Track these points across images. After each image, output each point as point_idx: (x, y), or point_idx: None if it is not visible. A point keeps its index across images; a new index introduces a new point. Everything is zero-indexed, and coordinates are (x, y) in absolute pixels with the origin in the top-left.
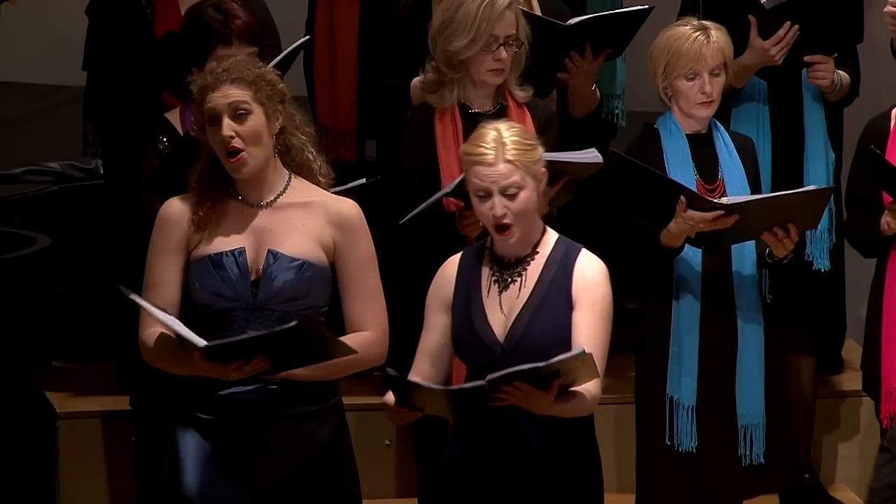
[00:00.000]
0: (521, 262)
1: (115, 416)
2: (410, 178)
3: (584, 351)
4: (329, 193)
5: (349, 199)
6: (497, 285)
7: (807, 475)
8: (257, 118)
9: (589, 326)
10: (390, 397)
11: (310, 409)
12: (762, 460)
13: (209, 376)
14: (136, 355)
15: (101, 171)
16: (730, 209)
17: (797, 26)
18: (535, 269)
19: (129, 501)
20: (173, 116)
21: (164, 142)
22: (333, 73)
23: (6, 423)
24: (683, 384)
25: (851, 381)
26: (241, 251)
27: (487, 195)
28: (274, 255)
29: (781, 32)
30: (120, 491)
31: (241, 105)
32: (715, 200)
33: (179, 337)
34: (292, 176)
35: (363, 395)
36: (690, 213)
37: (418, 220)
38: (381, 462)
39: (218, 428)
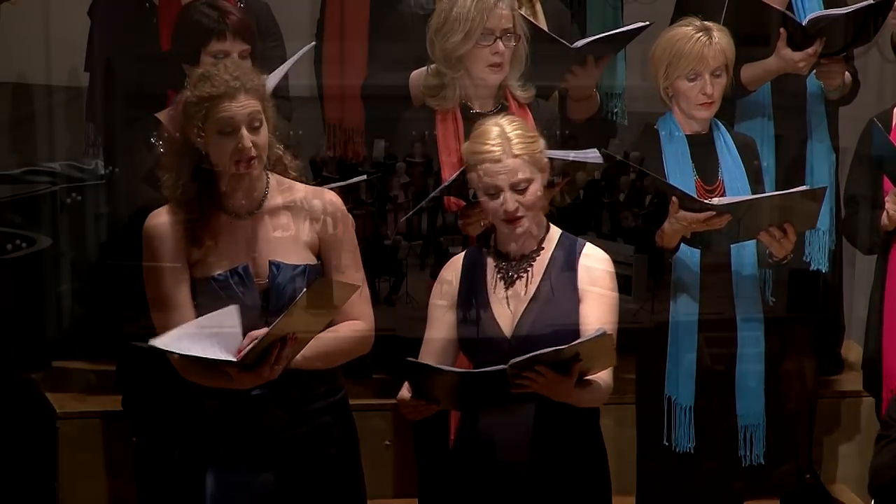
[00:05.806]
0: (526, 259)
1: (115, 416)
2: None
3: (604, 332)
4: (308, 187)
5: (329, 191)
6: (503, 282)
7: (808, 475)
8: (265, 129)
9: (598, 318)
10: (406, 392)
11: (318, 404)
12: (762, 461)
13: (251, 386)
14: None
15: (101, 172)
16: (722, 209)
17: (825, 38)
18: (540, 264)
19: (129, 501)
20: (163, 115)
21: (155, 138)
22: (342, 72)
23: (6, 423)
24: (681, 385)
25: (851, 381)
26: (245, 267)
27: (498, 192)
28: (277, 265)
29: (812, 49)
30: (120, 491)
31: (258, 116)
32: (706, 201)
33: (211, 363)
34: (269, 175)
35: (363, 395)
36: (682, 213)
37: (419, 216)
38: (381, 462)
39: (232, 434)
